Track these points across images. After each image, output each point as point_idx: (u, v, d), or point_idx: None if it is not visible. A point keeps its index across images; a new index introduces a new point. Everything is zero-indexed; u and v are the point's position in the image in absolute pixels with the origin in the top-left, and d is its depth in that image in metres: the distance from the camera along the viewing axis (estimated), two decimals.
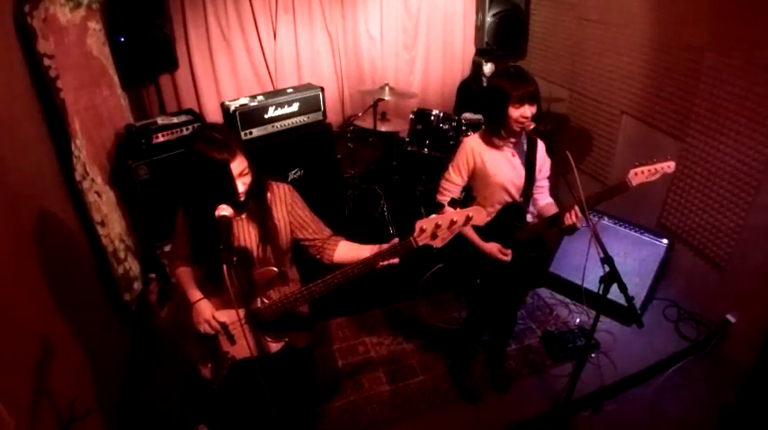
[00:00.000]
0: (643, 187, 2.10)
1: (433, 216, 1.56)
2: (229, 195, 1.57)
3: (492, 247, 2.20)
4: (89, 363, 2.17)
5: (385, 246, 1.64)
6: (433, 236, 1.58)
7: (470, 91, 4.59)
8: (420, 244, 1.59)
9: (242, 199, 1.62)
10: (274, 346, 1.81)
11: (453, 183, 2.28)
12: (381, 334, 3.10)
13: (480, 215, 1.58)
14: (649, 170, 2.07)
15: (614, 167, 3.69)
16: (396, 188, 4.08)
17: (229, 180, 1.55)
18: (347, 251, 1.81)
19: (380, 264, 1.63)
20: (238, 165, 1.56)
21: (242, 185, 1.60)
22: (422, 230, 1.56)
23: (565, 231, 2.11)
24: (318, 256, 1.86)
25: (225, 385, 1.89)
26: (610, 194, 2.11)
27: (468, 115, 4.19)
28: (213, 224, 1.53)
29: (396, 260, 1.63)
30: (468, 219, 1.56)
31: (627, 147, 3.56)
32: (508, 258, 2.20)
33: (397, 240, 1.63)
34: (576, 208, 2.03)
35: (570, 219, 2.06)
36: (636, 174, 2.08)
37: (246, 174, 1.61)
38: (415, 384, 2.74)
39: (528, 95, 2.03)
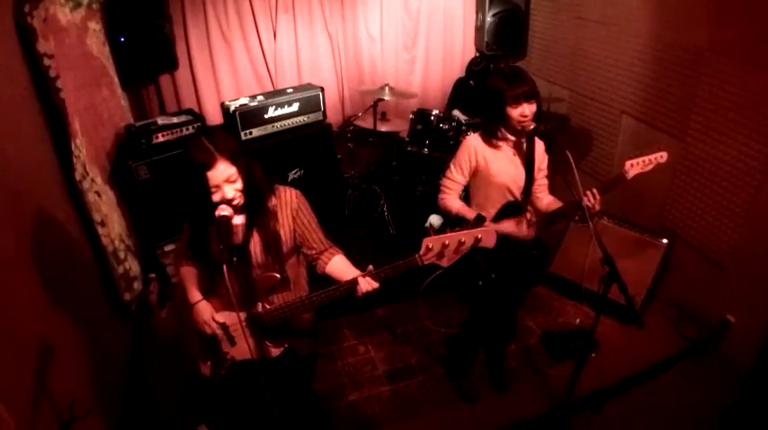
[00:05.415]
0: (642, 184, 2.12)
1: (441, 235, 1.51)
2: (203, 201, 1.55)
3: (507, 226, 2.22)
4: (89, 363, 2.17)
5: (369, 274, 1.64)
6: (440, 255, 1.53)
7: (466, 89, 4.56)
8: (425, 262, 1.56)
9: (235, 202, 1.58)
10: (275, 351, 1.81)
11: (455, 181, 2.27)
12: (381, 334, 3.09)
13: (490, 237, 1.52)
14: (643, 161, 2.14)
15: (614, 167, 3.68)
16: (396, 188, 4.08)
17: (203, 186, 1.53)
18: (338, 267, 1.79)
19: (361, 291, 1.62)
20: (221, 172, 1.53)
21: (232, 191, 1.57)
22: (428, 249, 1.52)
23: (580, 219, 2.08)
24: (313, 263, 1.86)
25: (224, 385, 1.89)
26: (609, 187, 2.13)
27: (456, 113, 4.17)
28: (213, 223, 1.53)
29: (377, 285, 1.63)
30: (477, 240, 1.50)
31: (627, 147, 3.55)
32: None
33: (371, 267, 1.63)
34: (594, 189, 2.05)
35: (589, 200, 2.05)
36: (632, 165, 2.13)
37: (235, 180, 1.57)
38: (414, 384, 2.74)
39: (524, 95, 2.03)
